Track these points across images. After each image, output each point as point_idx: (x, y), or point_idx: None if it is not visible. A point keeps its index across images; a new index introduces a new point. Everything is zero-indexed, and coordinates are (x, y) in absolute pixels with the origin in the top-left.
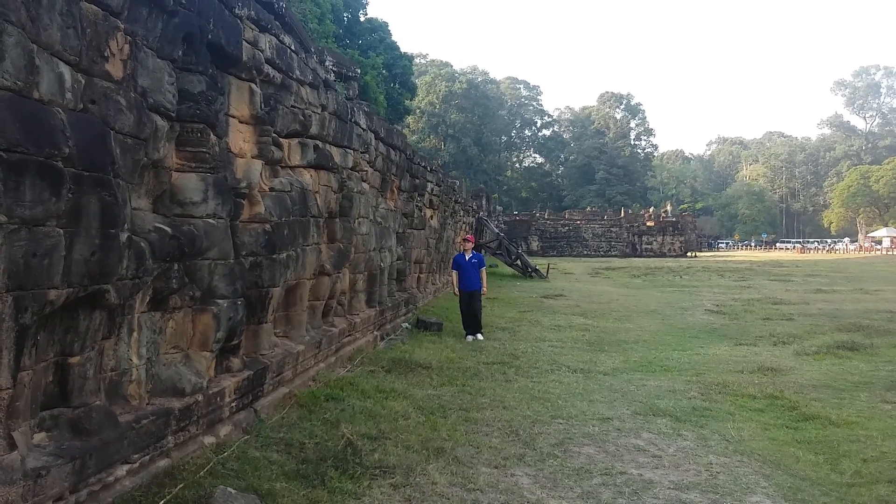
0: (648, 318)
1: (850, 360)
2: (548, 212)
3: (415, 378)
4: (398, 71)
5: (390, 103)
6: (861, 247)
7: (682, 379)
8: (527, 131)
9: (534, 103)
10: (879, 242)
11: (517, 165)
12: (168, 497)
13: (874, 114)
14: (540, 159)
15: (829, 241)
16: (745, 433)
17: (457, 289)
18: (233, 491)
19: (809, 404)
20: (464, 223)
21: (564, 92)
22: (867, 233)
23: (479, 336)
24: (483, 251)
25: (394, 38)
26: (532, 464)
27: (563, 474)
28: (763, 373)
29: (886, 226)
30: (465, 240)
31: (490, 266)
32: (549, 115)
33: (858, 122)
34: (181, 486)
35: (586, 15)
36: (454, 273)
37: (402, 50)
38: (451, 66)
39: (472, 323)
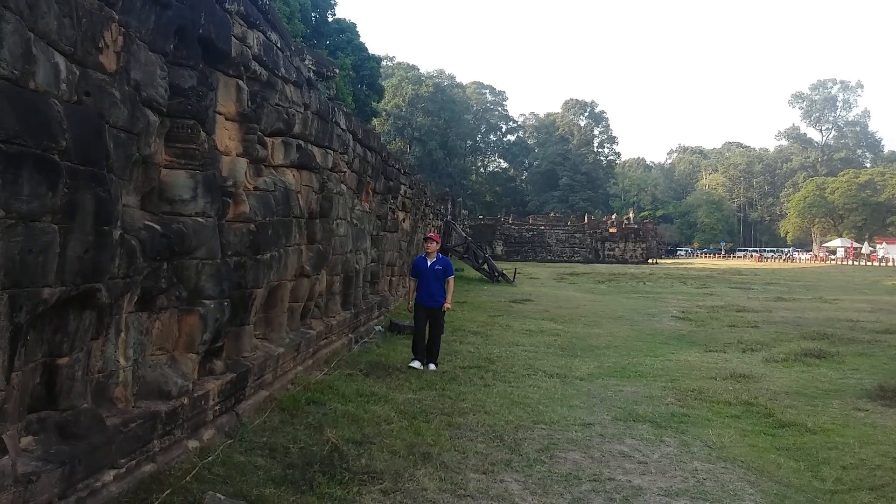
0: (617, 323)
1: (818, 367)
2: (512, 217)
3: (393, 382)
4: (366, 73)
5: (358, 105)
6: (815, 256)
7: (657, 385)
8: (492, 136)
9: (499, 108)
10: (833, 252)
11: (482, 170)
12: (156, 503)
13: (830, 126)
14: (504, 164)
15: (785, 250)
16: (726, 439)
17: (412, 302)
18: (222, 497)
19: (784, 411)
20: (433, 226)
21: (529, 98)
22: (822, 243)
23: (432, 366)
24: (450, 255)
25: (362, 39)
26: (520, 469)
27: (552, 480)
28: (736, 379)
29: (841, 236)
30: (427, 239)
31: (457, 269)
32: (514, 121)
33: (815, 135)
34: (168, 491)
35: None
36: (411, 281)
37: (370, 52)
38: (418, 69)
39: (426, 348)
